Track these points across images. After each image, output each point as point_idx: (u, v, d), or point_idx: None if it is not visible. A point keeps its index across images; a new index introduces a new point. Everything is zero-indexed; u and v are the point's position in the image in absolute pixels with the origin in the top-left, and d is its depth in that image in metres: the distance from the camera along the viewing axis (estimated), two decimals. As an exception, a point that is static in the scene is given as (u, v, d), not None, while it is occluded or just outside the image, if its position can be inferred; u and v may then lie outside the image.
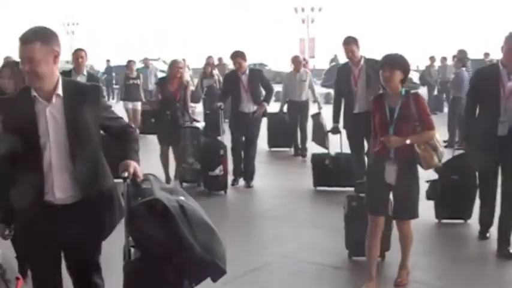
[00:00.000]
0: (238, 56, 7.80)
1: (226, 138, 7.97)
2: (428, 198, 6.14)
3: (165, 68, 10.10)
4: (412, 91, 4.48)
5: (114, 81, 25.24)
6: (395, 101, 4.28)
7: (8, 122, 2.91)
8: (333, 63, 28.03)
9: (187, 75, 17.36)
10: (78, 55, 7.76)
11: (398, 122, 4.25)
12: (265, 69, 31.23)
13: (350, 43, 6.89)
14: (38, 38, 2.82)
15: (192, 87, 17.06)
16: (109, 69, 26.21)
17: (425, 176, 5.18)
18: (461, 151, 6.13)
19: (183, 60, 18.34)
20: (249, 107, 7.84)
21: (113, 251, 3.26)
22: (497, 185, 5.42)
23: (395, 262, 4.67)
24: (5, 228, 3.05)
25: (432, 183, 6.15)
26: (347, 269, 5.08)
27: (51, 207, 2.94)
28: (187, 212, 2.80)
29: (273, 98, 8.68)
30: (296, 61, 10.53)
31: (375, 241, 4.45)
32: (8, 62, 4.98)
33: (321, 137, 9.31)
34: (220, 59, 18.78)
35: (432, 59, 19.38)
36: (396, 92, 4.29)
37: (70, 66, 8.01)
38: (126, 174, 2.89)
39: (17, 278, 2.92)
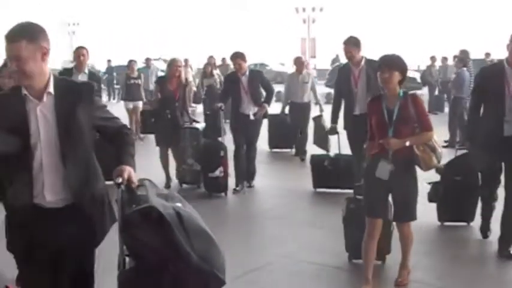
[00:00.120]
0: (238, 57, 7.73)
1: (227, 139, 7.94)
2: (430, 200, 6.09)
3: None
4: (410, 92, 4.43)
5: (115, 81, 25.25)
6: (394, 103, 4.25)
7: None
8: (336, 64, 28.01)
9: (190, 75, 17.41)
10: (79, 53, 7.63)
11: (398, 123, 4.21)
12: (266, 69, 31.26)
13: (348, 44, 6.84)
14: (24, 36, 2.72)
15: (194, 88, 17.08)
16: (110, 69, 26.23)
17: (427, 177, 5.17)
18: (463, 151, 6.07)
19: (186, 60, 18.42)
20: (250, 109, 7.76)
21: (108, 260, 3.14)
22: (500, 185, 5.39)
23: (396, 263, 4.66)
24: None
25: (434, 185, 6.09)
26: (347, 269, 5.07)
27: (41, 210, 2.85)
28: (183, 219, 2.67)
29: (274, 98, 8.65)
30: (298, 62, 10.45)
31: (372, 244, 4.42)
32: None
33: (322, 139, 9.28)
34: (223, 59, 18.80)
35: (433, 59, 19.38)
36: (394, 94, 4.26)
37: (73, 65, 7.95)
38: (120, 180, 2.77)
39: (6, 287, 2.86)
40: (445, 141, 10.98)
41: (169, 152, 8.06)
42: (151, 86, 15.66)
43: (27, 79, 2.77)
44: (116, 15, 52.96)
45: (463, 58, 11.75)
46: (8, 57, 2.77)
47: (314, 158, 7.94)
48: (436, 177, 5.97)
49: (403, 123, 4.23)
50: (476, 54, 15.70)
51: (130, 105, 12.67)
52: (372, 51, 7.78)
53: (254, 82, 7.83)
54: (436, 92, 18.64)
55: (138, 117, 11.56)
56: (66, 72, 7.64)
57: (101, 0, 52.00)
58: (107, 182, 3.06)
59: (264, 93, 8.05)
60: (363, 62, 6.84)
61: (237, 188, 7.81)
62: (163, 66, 17.36)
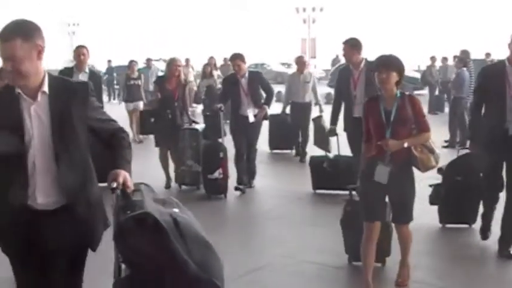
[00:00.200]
0: (237, 58, 7.64)
1: (227, 140, 7.92)
2: (432, 203, 6.05)
3: (166, 67, 10.01)
4: (407, 92, 4.40)
5: (115, 82, 25.23)
6: (391, 104, 4.20)
7: None
8: (338, 64, 28.02)
9: (191, 76, 17.40)
10: (80, 52, 7.53)
11: (395, 124, 4.16)
12: (267, 70, 31.25)
13: (346, 45, 6.76)
14: (19, 34, 2.60)
15: (195, 88, 17.06)
16: (110, 70, 26.20)
17: (427, 177, 5.16)
18: (465, 151, 6.04)
19: (187, 60, 18.37)
20: (250, 110, 7.67)
21: (103, 267, 3.09)
22: (502, 185, 5.37)
23: (396, 264, 4.65)
24: None
25: (435, 187, 6.06)
26: (347, 269, 5.07)
27: (32, 212, 2.76)
28: (180, 225, 2.55)
29: (274, 99, 8.62)
30: (300, 62, 10.42)
31: (371, 247, 4.37)
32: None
33: (322, 140, 9.26)
34: (225, 59, 18.80)
35: (433, 59, 19.40)
36: (392, 95, 4.21)
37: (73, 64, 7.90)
38: (115, 185, 2.67)
39: None
40: (445, 141, 11.00)
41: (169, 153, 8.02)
42: (151, 87, 15.67)
43: (22, 79, 2.67)
44: (116, 15, 52.94)
45: (463, 58, 11.76)
46: (2, 57, 2.67)
47: (313, 159, 7.91)
48: (436, 179, 5.95)
49: (401, 124, 4.18)
50: (476, 54, 15.69)
51: (131, 106, 12.61)
52: (372, 51, 7.75)
53: (254, 83, 7.75)
54: (436, 92, 18.64)
55: (138, 118, 11.53)
56: (66, 71, 7.56)
57: (101, 0, 51.99)
58: (100, 184, 2.97)
59: (263, 94, 8.01)
60: (362, 64, 6.72)
61: (240, 187, 7.71)
62: (164, 66, 17.37)
